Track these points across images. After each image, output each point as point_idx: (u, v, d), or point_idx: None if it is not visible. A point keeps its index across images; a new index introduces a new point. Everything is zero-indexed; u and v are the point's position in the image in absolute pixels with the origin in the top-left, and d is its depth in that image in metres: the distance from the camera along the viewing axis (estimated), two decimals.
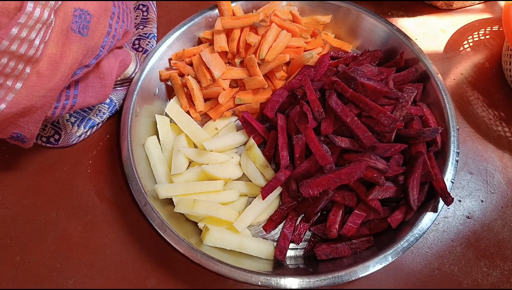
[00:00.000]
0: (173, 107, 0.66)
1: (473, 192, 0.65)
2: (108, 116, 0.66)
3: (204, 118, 0.69)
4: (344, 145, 0.54)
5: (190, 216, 0.58)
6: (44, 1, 0.46)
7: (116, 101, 0.66)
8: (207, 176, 0.60)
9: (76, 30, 0.51)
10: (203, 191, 0.57)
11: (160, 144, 0.64)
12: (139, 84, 0.64)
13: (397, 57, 0.68)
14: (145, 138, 0.63)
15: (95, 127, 0.66)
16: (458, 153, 0.59)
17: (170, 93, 0.71)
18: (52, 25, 0.49)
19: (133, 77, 0.65)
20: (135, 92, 0.63)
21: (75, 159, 0.64)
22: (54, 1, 0.47)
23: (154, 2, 0.77)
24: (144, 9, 0.72)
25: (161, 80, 0.69)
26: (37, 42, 0.47)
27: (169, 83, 0.70)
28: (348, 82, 0.58)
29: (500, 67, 0.77)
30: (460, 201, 0.64)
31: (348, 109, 0.54)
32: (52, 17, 0.48)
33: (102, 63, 0.59)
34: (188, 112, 0.67)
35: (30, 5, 0.45)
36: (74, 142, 0.64)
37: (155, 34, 0.72)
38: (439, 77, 0.65)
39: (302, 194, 0.52)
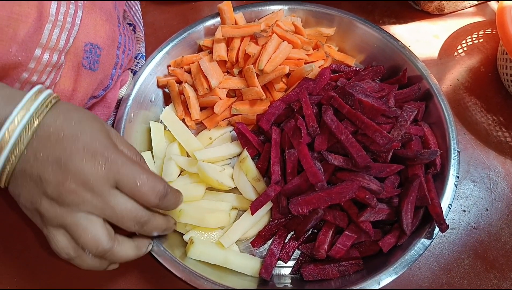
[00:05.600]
0: (168, 114, 0.65)
1: (477, 201, 0.63)
2: None
3: (200, 127, 0.68)
4: (338, 163, 0.53)
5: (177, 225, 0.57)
6: (52, 46, 0.47)
7: None
8: (199, 178, 0.58)
9: (87, 66, 0.52)
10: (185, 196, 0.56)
11: (152, 154, 0.62)
12: (135, 90, 0.63)
13: (400, 73, 0.66)
14: (139, 145, 0.63)
15: None
16: (458, 177, 0.57)
17: (167, 100, 0.70)
18: (63, 66, 0.50)
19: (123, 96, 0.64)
20: (131, 98, 0.62)
21: None
22: (63, 45, 0.48)
23: (141, 20, 0.75)
24: (131, 28, 0.71)
25: (158, 86, 0.68)
26: (47, 83, 0.49)
27: (166, 90, 0.69)
28: (345, 98, 0.56)
29: (496, 71, 0.75)
30: (464, 211, 0.62)
31: (343, 126, 0.53)
32: (62, 59, 0.49)
33: (108, 93, 0.59)
34: (183, 120, 0.66)
35: (37, 52, 0.46)
36: None
37: (144, 54, 0.71)
38: (443, 97, 0.63)
39: (292, 211, 0.51)
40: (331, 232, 0.53)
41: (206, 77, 0.64)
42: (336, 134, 0.53)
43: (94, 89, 0.55)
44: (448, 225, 0.51)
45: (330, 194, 0.50)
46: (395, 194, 0.53)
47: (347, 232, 0.52)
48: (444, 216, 0.52)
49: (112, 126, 0.62)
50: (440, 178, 0.57)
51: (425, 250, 0.51)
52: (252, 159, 0.61)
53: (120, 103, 0.63)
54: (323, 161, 0.55)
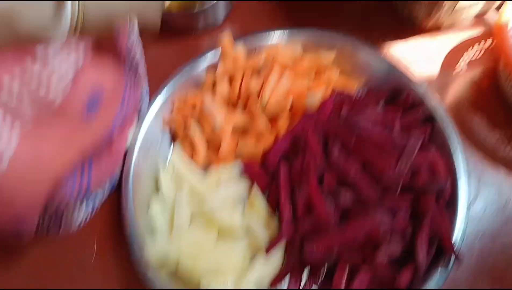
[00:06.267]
0: (176, 154, 0.66)
1: (490, 222, 0.62)
2: (108, 192, 0.64)
3: (208, 161, 0.67)
4: (348, 202, 0.53)
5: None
6: None
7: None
8: (211, 224, 0.59)
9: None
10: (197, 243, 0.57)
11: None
12: (140, 138, 0.63)
13: (403, 97, 0.65)
14: (147, 195, 0.63)
15: (96, 208, 0.63)
16: (468, 199, 0.56)
17: (174, 138, 0.70)
18: None
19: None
20: (136, 148, 0.62)
21: (78, 246, 0.61)
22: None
23: (143, 57, 0.75)
24: (134, 67, 0.70)
25: (164, 125, 0.68)
26: None
27: (172, 128, 0.69)
28: (350, 132, 0.56)
29: (498, 85, 0.74)
30: (477, 234, 0.61)
31: (349, 166, 0.53)
32: None
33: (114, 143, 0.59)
34: (191, 159, 0.66)
35: None
36: (75, 228, 0.61)
37: (147, 90, 0.70)
38: (447, 116, 0.62)
39: (306, 255, 0.51)
40: (346, 271, 0.53)
41: (210, 115, 0.64)
42: (343, 173, 0.53)
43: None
44: (462, 256, 0.51)
45: (344, 236, 0.50)
46: (408, 226, 0.53)
47: (362, 272, 0.52)
48: (457, 245, 0.52)
49: (119, 183, 0.61)
50: (451, 202, 0.57)
51: (444, 282, 0.51)
52: (263, 192, 0.61)
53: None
54: (334, 194, 0.55)
